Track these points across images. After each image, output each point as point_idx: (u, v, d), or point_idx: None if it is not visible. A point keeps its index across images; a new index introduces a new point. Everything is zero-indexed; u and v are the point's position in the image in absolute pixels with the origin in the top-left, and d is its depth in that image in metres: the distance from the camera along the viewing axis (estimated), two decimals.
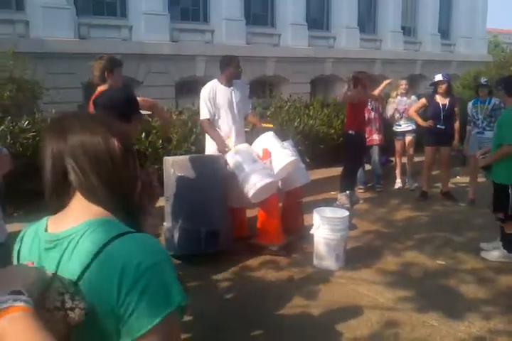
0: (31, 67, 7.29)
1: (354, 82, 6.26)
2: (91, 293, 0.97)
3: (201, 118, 5.11)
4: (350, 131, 6.22)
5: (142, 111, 3.34)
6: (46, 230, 1.11)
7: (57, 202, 1.11)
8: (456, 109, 6.64)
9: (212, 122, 5.05)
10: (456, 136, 6.72)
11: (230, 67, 5.05)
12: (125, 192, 1.13)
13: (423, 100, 6.87)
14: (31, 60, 7.62)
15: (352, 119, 6.28)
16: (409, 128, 7.29)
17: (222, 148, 4.93)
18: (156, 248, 1.04)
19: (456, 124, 6.69)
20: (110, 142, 1.10)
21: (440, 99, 6.62)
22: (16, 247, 1.18)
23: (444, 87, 6.56)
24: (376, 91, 6.87)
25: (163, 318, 0.95)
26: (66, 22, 10.56)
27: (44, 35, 10.23)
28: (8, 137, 4.94)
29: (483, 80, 6.59)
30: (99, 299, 0.96)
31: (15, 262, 1.16)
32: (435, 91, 6.71)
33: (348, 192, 6.24)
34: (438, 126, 6.56)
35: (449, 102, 6.58)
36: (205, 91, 5.04)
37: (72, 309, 0.94)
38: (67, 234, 1.05)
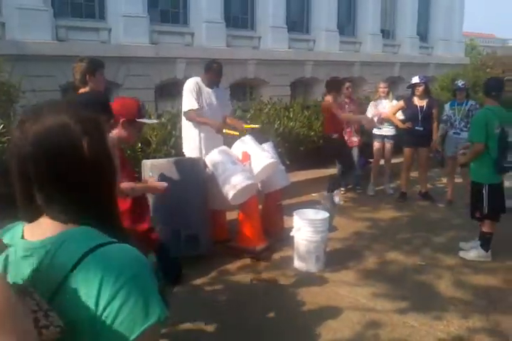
0: (7, 69, 7.17)
1: (327, 88, 6.40)
2: (69, 305, 0.93)
3: (186, 109, 4.98)
4: (334, 135, 6.30)
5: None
6: (23, 237, 1.05)
7: (30, 210, 1.03)
8: (434, 110, 6.71)
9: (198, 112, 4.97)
10: (435, 137, 6.79)
11: (209, 73, 5.06)
12: (100, 205, 1.05)
13: (401, 102, 6.94)
14: (7, 63, 7.48)
15: (331, 123, 6.34)
16: (389, 133, 7.25)
17: (218, 127, 4.90)
18: (136, 258, 1.00)
19: (435, 126, 6.76)
20: (77, 140, 0.99)
21: (418, 101, 6.70)
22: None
23: (420, 89, 6.64)
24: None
25: (141, 333, 0.92)
26: (43, 24, 10.39)
27: (20, 37, 10.07)
28: None
29: (460, 83, 6.67)
30: (78, 311, 0.92)
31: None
32: (413, 93, 6.78)
33: (334, 192, 6.35)
34: (416, 127, 6.64)
35: (427, 104, 6.66)
36: (191, 84, 5.00)
37: (46, 327, 0.88)
38: (44, 244, 0.99)
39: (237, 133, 5.09)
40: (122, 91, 11.30)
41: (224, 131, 4.95)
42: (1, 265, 1.08)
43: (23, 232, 1.06)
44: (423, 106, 6.65)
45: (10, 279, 1.04)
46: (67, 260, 0.95)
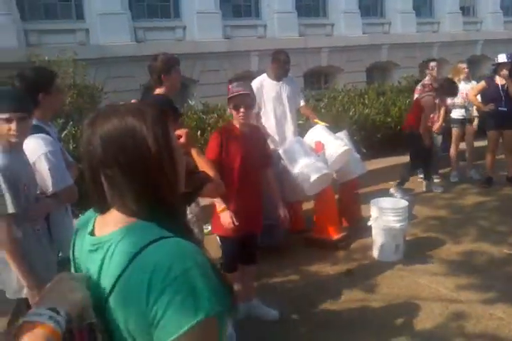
0: (91, 72, 7.61)
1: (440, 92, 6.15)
2: (123, 299, 0.99)
3: None
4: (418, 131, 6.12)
5: None
6: (92, 232, 1.14)
7: (99, 200, 1.11)
8: None
9: (258, 115, 5.01)
10: None
11: (274, 64, 5.06)
12: (162, 198, 1.08)
13: (482, 83, 6.56)
14: (92, 66, 7.92)
15: (418, 119, 6.10)
16: (468, 116, 6.85)
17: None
18: (188, 253, 1.02)
19: None
20: (142, 133, 1.04)
21: (500, 80, 6.32)
22: (73, 239, 1.22)
23: (507, 69, 6.23)
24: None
25: (190, 328, 0.94)
26: (122, 27, 10.87)
27: (103, 41, 10.61)
28: (71, 141, 5.18)
29: None
30: (130, 305, 0.98)
31: (71, 253, 1.20)
32: (495, 72, 6.40)
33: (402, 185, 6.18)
34: (499, 108, 6.26)
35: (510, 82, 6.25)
36: (253, 86, 5.03)
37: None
38: (107, 239, 1.07)
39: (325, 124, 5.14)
40: (199, 87, 11.59)
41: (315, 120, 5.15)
42: (71, 253, 1.20)
43: (93, 227, 1.15)
44: (505, 85, 6.26)
45: (78, 268, 1.17)
46: (124, 255, 1.01)
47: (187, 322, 0.95)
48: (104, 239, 1.08)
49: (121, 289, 1.00)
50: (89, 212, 1.21)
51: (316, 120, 5.21)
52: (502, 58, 6.34)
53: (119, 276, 1.00)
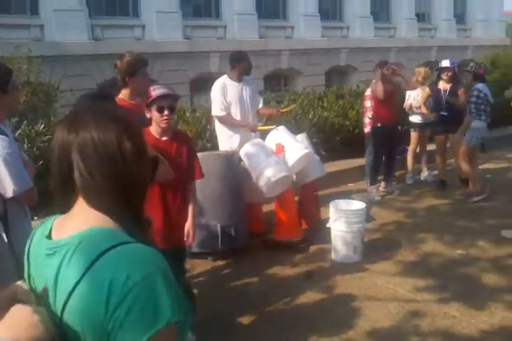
0: (46, 70, 7.39)
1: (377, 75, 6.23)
2: (82, 307, 0.95)
3: (217, 114, 5.04)
4: (378, 124, 6.25)
5: None
6: (49, 235, 1.09)
7: (63, 199, 1.08)
8: (459, 92, 6.35)
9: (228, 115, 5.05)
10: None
11: (242, 63, 5.05)
12: (131, 196, 1.07)
13: (427, 90, 6.67)
14: (47, 63, 7.70)
15: (375, 112, 6.25)
16: (425, 120, 6.94)
17: (252, 128, 5.06)
18: (147, 259, 0.99)
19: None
20: (123, 142, 1.05)
21: (442, 85, 6.46)
22: (27, 244, 1.17)
23: (449, 74, 6.38)
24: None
25: (151, 336, 0.92)
26: (79, 24, 10.61)
27: (59, 38, 10.33)
28: (26, 141, 5.00)
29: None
30: (89, 313, 0.94)
31: (25, 257, 1.15)
32: (439, 77, 6.55)
33: (377, 184, 6.30)
34: (441, 113, 6.42)
35: (451, 87, 6.37)
36: (217, 87, 5.02)
37: None
38: (65, 243, 1.03)
39: (272, 127, 5.19)
40: None
41: (258, 128, 5.14)
42: (25, 258, 1.15)
43: (50, 230, 1.10)
44: (447, 90, 6.41)
45: (32, 273, 1.11)
46: (81, 263, 0.97)
47: (148, 331, 0.92)
48: (61, 242, 1.03)
49: (79, 299, 0.96)
50: (50, 219, 1.16)
51: (282, 110, 5.32)
52: (445, 63, 6.47)
53: (76, 285, 0.96)
